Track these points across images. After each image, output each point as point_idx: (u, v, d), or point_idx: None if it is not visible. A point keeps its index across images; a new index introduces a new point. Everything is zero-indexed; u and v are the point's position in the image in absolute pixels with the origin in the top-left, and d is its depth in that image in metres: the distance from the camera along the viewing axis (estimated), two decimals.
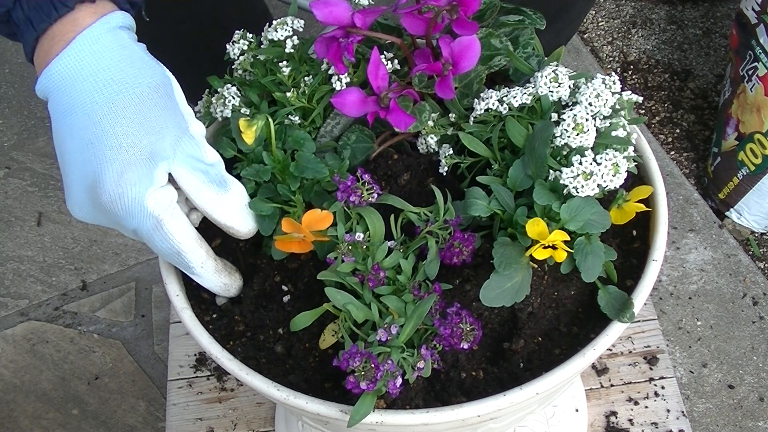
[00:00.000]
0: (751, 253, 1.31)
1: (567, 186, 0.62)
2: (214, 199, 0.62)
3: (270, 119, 0.66)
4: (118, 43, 0.59)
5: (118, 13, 0.60)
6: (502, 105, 0.67)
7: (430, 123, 0.70)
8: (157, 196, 0.58)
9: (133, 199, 0.57)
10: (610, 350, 1.07)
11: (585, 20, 1.62)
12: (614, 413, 1.02)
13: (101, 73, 0.58)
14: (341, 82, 0.69)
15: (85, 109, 0.58)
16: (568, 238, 0.61)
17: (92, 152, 0.57)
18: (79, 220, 0.61)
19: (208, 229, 0.72)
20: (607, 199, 0.67)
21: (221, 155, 0.69)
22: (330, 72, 0.70)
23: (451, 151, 0.70)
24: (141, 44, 0.62)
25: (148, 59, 0.61)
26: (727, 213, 1.34)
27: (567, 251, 0.62)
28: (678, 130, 1.46)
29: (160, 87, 0.60)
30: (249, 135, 0.67)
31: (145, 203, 0.57)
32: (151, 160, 0.58)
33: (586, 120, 0.63)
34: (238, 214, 0.64)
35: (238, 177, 0.69)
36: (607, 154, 0.62)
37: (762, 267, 1.30)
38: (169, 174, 0.59)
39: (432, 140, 0.71)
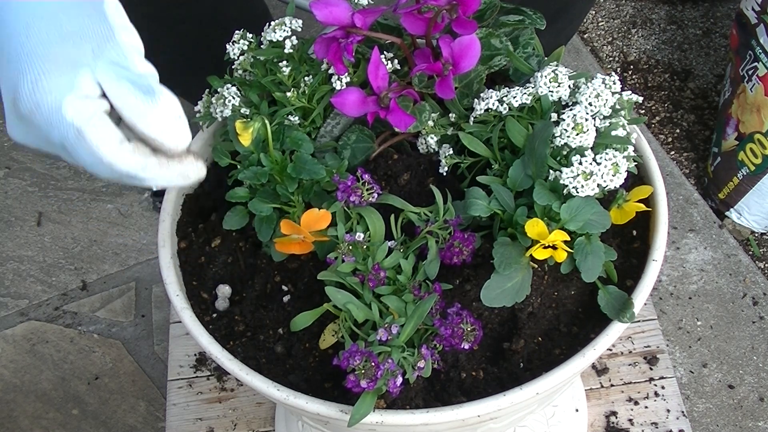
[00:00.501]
0: (751, 253, 1.31)
1: (567, 186, 0.62)
2: (140, 108, 0.57)
3: (266, 121, 0.66)
4: None
5: None
6: (502, 105, 0.67)
7: (430, 123, 0.70)
8: (78, 105, 0.56)
9: (50, 107, 0.55)
10: (610, 350, 1.07)
11: (585, 20, 1.62)
12: (614, 413, 1.02)
13: None
14: (341, 82, 0.69)
15: (6, 29, 0.57)
16: (568, 238, 0.61)
17: (11, 67, 0.56)
18: (19, 143, 0.59)
19: (207, 228, 0.72)
20: (607, 199, 0.67)
21: (216, 164, 0.68)
22: (330, 72, 0.70)
23: (451, 151, 0.70)
24: None
25: None
26: (727, 213, 1.34)
27: (567, 251, 0.62)
28: (678, 130, 1.46)
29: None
30: (246, 137, 0.66)
31: (63, 111, 0.55)
32: (72, 68, 0.56)
33: (586, 120, 0.63)
34: (167, 125, 0.58)
35: (237, 182, 0.69)
36: (607, 154, 0.62)
37: (762, 267, 1.30)
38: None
39: (432, 140, 0.71)
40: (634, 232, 0.70)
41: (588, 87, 0.66)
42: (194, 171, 0.61)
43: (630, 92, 0.68)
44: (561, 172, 0.62)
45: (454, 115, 0.71)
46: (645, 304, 0.74)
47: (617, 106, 0.67)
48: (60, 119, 0.55)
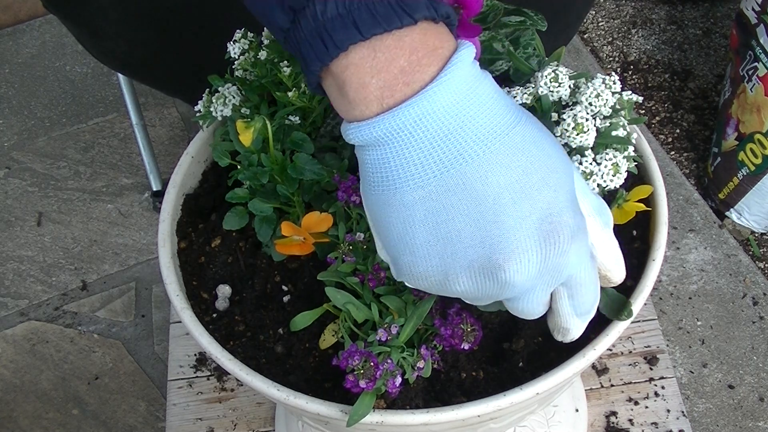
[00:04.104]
0: (751, 253, 1.31)
1: None
2: (599, 234, 0.53)
3: (267, 121, 0.66)
4: (486, 81, 0.48)
5: (468, 43, 0.47)
6: None
7: None
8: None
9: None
10: (610, 350, 1.07)
11: (585, 20, 1.62)
12: (614, 413, 1.02)
13: (483, 119, 0.46)
14: None
15: (474, 171, 0.46)
16: None
17: (489, 230, 0.47)
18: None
19: (207, 228, 0.72)
20: (607, 198, 0.67)
21: (216, 163, 0.68)
22: None
23: None
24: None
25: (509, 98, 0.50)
26: (727, 213, 1.34)
27: None
28: (678, 130, 1.46)
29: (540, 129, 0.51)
30: (247, 137, 0.66)
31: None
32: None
33: (587, 120, 0.63)
34: (616, 255, 0.55)
35: (237, 183, 0.69)
36: (607, 154, 0.62)
37: (762, 267, 1.30)
38: None
39: None
40: (634, 232, 0.70)
41: (588, 87, 0.66)
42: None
43: (630, 92, 0.68)
44: None
45: None
46: (645, 304, 0.74)
47: (617, 106, 0.67)
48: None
